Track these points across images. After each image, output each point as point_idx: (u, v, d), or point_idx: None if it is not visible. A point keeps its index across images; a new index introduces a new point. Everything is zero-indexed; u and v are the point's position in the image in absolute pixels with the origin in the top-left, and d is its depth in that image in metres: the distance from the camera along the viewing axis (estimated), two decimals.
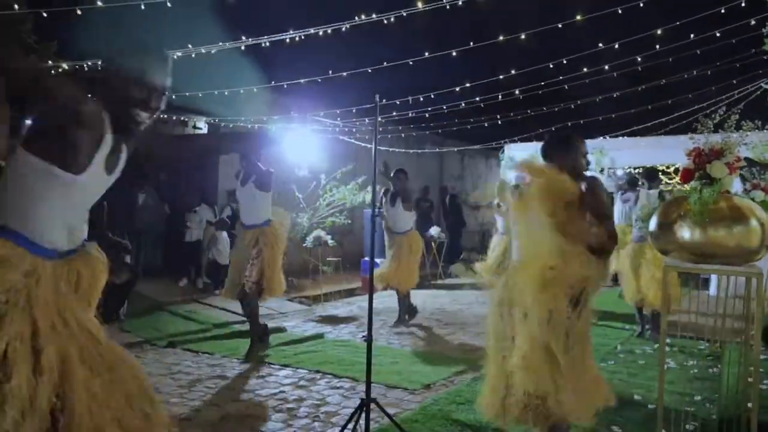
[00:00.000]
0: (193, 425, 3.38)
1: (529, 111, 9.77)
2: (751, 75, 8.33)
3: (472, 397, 3.87)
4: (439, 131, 11.79)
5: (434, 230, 10.51)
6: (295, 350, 5.24)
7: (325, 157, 9.11)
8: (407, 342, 5.77)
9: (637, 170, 9.74)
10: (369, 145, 10.77)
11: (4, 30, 7.08)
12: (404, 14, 4.90)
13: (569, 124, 10.27)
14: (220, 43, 5.94)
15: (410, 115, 9.79)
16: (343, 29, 5.31)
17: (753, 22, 5.62)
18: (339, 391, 4.07)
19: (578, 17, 5.31)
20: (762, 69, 7.54)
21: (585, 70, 7.51)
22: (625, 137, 10.41)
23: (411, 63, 6.46)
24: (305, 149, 8.89)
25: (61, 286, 1.81)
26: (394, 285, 6.44)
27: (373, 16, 5.08)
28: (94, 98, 1.87)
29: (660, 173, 7.15)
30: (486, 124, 10.00)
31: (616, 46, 6.42)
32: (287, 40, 5.77)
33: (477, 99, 8.48)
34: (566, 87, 8.15)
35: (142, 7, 4.93)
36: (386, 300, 7.57)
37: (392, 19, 5.03)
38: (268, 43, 5.88)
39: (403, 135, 11.92)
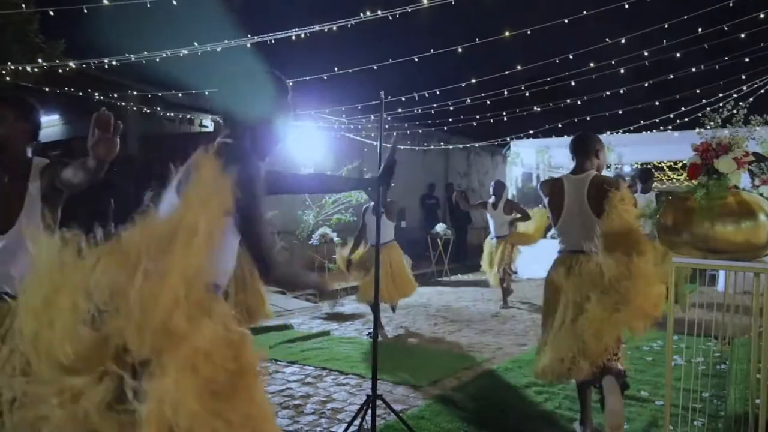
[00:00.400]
0: None
1: (535, 107, 9.73)
2: (760, 69, 8.25)
3: (478, 394, 3.88)
4: (445, 128, 11.76)
5: (440, 227, 10.50)
6: (301, 347, 5.25)
7: (331, 154, 9.13)
8: (413, 339, 5.77)
9: (645, 166, 9.68)
10: (375, 142, 10.79)
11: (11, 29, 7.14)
12: (409, 10, 4.89)
13: (575, 120, 10.23)
14: (226, 41, 5.95)
15: (416, 111, 9.77)
16: (349, 26, 5.31)
17: (762, 16, 5.56)
18: (345, 388, 4.08)
19: (585, 12, 5.28)
20: None
21: (591, 65, 7.48)
22: (632, 133, 10.36)
23: (416, 60, 6.45)
24: (311, 146, 8.90)
25: None
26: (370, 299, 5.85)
27: (378, 12, 5.07)
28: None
29: (653, 172, 7.12)
30: (492, 121, 9.97)
31: (623, 41, 6.38)
32: (293, 38, 5.78)
33: (482, 95, 8.46)
34: (572, 83, 8.10)
35: (148, 5, 4.93)
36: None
37: (397, 16, 5.02)
38: (273, 41, 5.88)
39: (408, 132, 11.91)
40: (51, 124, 10.51)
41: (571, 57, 7.04)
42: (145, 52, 6.17)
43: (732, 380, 3.67)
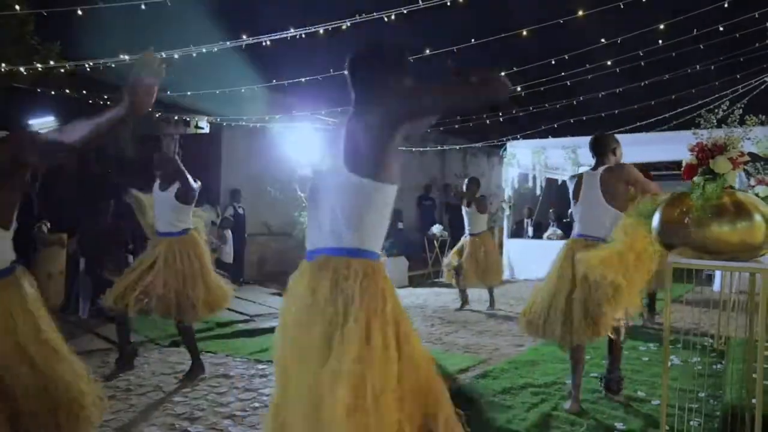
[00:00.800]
0: (196, 424, 3.38)
1: (531, 108, 9.73)
2: (755, 69, 8.28)
3: (474, 395, 3.87)
4: (441, 129, 11.77)
5: (436, 228, 10.50)
6: None
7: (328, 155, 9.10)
8: None
9: (641, 165, 9.68)
10: None
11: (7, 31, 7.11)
12: (405, 11, 4.89)
13: (572, 120, 10.24)
14: (221, 42, 5.94)
15: None
16: (344, 27, 5.30)
17: (756, 16, 5.58)
18: None
19: (580, 13, 5.29)
20: (766, 63, 7.49)
21: (587, 66, 7.49)
22: (629, 133, 10.37)
23: (412, 60, 6.44)
24: (307, 148, 8.88)
25: None
26: None
27: (374, 13, 5.07)
28: None
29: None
30: (488, 122, 9.98)
31: (619, 41, 6.40)
32: (288, 39, 5.77)
33: None
34: (568, 83, 8.12)
35: (143, 6, 4.92)
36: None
37: (393, 17, 5.02)
38: (268, 42, 5.87)
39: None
40: (46, 126, 10.49)
41: (566, 57, 7.05)
42: (141, 54, 6.14)
43: (728, 380, 3.67)
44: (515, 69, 7.20)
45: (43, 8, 6.07)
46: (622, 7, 5.11)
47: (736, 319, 4.90)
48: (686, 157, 2.90)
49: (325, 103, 9.60)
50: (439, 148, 13.56)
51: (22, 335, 1.83)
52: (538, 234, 11.97)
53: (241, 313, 6.98)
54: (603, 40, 6.43)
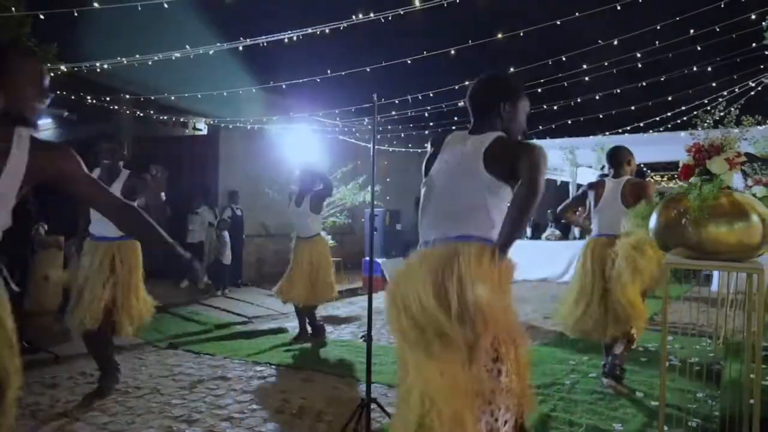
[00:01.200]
0: (194, 426, 3.37)
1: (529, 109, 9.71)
2: (752, 70, 8.30)
3: None
4: (440, 130, 11.77)
5: None
6: (295, 351, 5.23)
7: (325, 157, 9.11)
8: None
9: (640, 166, 9.71)
10: (369, 145, 10.76)
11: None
12: (402, 12, 4.89)
13: (569, 121, 10.25)
14: (219, 44, 5.93)
15: (409, 114, 9.77)
16: (341, 28, 5.30)
17: (753, 17, 5.59)
18: (340, 391, 4.06)
19: (577, 14, 5.29)
20: (763, 64, 7.50)
21: (585, 67, 7.49)
22: (626, 134, 10.38)
23: (409, 62, 6.45)
24: (305, 149, 8.88)
25: None
26: (291, 298, 5.59)
27: (371, 15, 5.07)
28: None
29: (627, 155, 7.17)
30: None
31: (616, 42, 6.40)
32: (285, 41, 5.77)
33: None
34: (566, 84, 8.12)
35: (139, 8, 4.91)
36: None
37: (390, 18, 5.02)
38: (266, 44, 5.87)
39: (403, 134, 11.91)
40: (44, 128, 10.47)
41: (563, 59, 7.06)
42: (137, 56, 6.15)
43: (727, 380, 3.67)
44: (513, 69, 7.20)
45: (39, 10, 6.06)
46: (618, 8, 5.12)
47: (734, 319, 4.91)
48: (684, 157, 2.90)
49: (323, 105, 9.60)
50: None
51: None
52: (536, 234, 11.98)
53: (239, 314, 6.98)
54: (600, 41, 6.44)
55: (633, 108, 9.68)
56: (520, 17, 6.19)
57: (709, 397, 3.68)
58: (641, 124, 10.15)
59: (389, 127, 11.41)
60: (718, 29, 6.18)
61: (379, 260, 9.66)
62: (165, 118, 9.31)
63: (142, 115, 8.95)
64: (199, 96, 7.62)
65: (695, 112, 3.12)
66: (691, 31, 6.40)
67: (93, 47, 6.93)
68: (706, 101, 8.64)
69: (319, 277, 5.54)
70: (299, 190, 5.75)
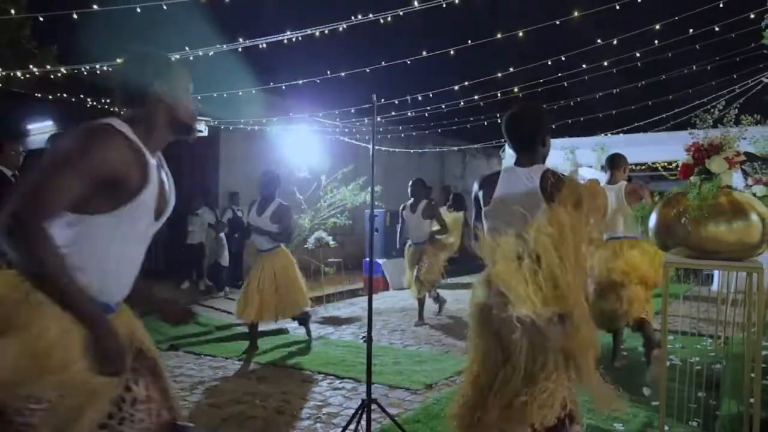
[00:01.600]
0: (195, 427, 3.37)
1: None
2: (752, 69, 8.29)
3: None
4: (439, 131, 11.79)
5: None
6: (297, 351, 5.23)
7: (326, 158, 9.12)
8: (409, 342, 5.76)
9: (638, 167, 9.70)
10: (369, 145, 10.77)
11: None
12: (401, 13, 4.89)
13: (569, 121, 10.25)
14: (218, 45, 5.94)
15: (409, 114, 9.78)
16: (341, 29, 5.31)
17: (752, 16, 5.59)
18: (341, 392, 4.07)
19: (576, 14, 5.29)
20: (762, 63, 7.50)
21: (584, 66, 7.50)
22: (626, 134, 10.37)
23: (408, 62, 6.46)
24: (305, 150, 8.89)
25: None
26: (247, 315, 5.09)
27: (370, 15, 5.07)
28: None
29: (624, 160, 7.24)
30: (486, 123, 9.99)
31: (615, 42, 6.40)
32: (285, 42, 5.77)
33: (476, 97, 8.47)
34: (565, 84, 8.13)
35: (138, 9, 4.92)
36: (388, 300, 7.56)
37: (389, 19, 5.03)
38: (265, 45, 5.87)
39: (403, 135, 11.91)
40: (44, 131, 10.47)
41: (563, 58, 7.06)
42: None
43: (727, 380, 3.67)
44: (512, 70, 7.21)
45: (39, 12, 6.07)
46: (617, 7, 5.12)
47: (734, 318, 4.90)
48: (683, 157, 2.90)
49: (323, 106, 9.60)
50: (437, 149, 13.57)
51: None
52: None
53: None
54: (599, 40, 6.44)
55: (633, 108, 9.68)
56: (520, 17, 6.20)
57: (710, 397, 3.67)
58: (641, 124, 10.14)
59: (389, 127, 11.41)
60: (717, 29, 6.18)
61: (380, 261, 9.67)
62: None
63: None
64: (199, 97, 7.62)
65: (695, 112, 3.12)
66: (690, 30, 6.41)
67: (94, 49, 6.94)
68: (705, 101, 8.64)
69: (288, 293, 5.15)
70: (260, 197, 5.34)
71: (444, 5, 4.73)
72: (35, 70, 6.78)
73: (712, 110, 2.92)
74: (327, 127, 10.26)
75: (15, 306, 1.36)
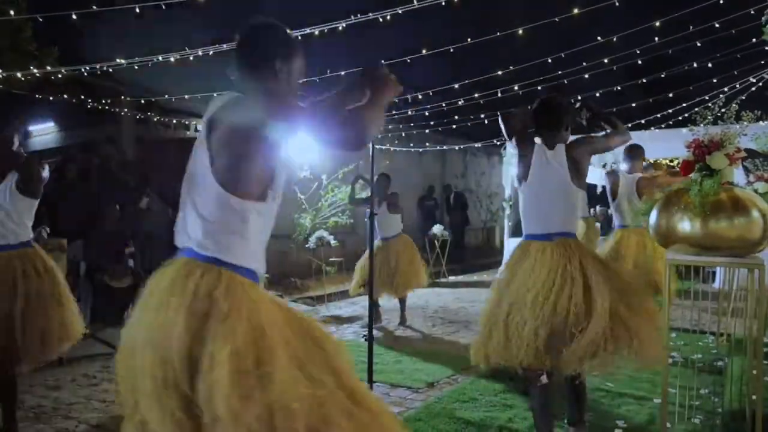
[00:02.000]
0: None
1: (529, 107, 9.70)
2: (753, 65, 8.26)
3: (475, 395, 3.86)
4: (440, 129, 11.77)
5: (437, 228, 10.49)
6: None
7: (327, 157, 9.11)
8: (410, 341, 5.76)
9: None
10: (369, 145, 10.75)
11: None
12: (400, 12, 4.89)
13: None
14: (218, 45, 5.94)
15: (409, 113, 9.76)
16: (340, 28, 5.30)
17: (753, 12, 5.57)
18: None
19: (575, 11, 5.28)
20: (763, 59, 7.47)
21: (584, 64, 7.48)
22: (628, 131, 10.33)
23: (408, 61, 6.45)
24: (306, 150, 8.88)
25: None
26: None
27: (370, 14, 5.07)
28: None
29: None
30: (486, 122, 9.97)
31: (615, 39, 6.39)
32: None
33: (476, 96, 8.45)
34: (565, 81, 8.11)
35: (137, 10, 4.92)
36: (390, 300, 7.53)
37: (388, 17, 5.02)
38: None
39: (404, 134, 11.90)
40: (46, 132, 10.49)
41: (563, 56, 7.04)
42: (137, 58, 6.16)
43: (729, 377, 3.66)
44: (512, 68, 7.20)
45: (39, 13, 6.07)
46: (617, 4, 5.11)
47: (736, 315, 4.89)
48: (684, 153, 2.90)
49: None
50: (438, 148, 13.55)
51: None
52: None
53: None
54: (599, 37, 6.42)
55: (634, 105, 9.66)
56: (519, 14, 6.18)
57: (712, 394, 3.67)
58: (642, 121, 10.11)
59: (390, 126, 11.39)
60: (717, 25, 6.16)
61: None
62: (166, 120, 9.32)
63: (143, 117, 8.97)
64: (199, 97, 7.61)
65: (696, 109, 3.12)
66: (691, 27, 6.39)
67: (94, 50, 6.94)
68: (707, 97, 8.61)
69: None
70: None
71: (443, 3, 4.73)
72: (36, 71, 6.78)
73: (713, 107, 2.91)
74: None
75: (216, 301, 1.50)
